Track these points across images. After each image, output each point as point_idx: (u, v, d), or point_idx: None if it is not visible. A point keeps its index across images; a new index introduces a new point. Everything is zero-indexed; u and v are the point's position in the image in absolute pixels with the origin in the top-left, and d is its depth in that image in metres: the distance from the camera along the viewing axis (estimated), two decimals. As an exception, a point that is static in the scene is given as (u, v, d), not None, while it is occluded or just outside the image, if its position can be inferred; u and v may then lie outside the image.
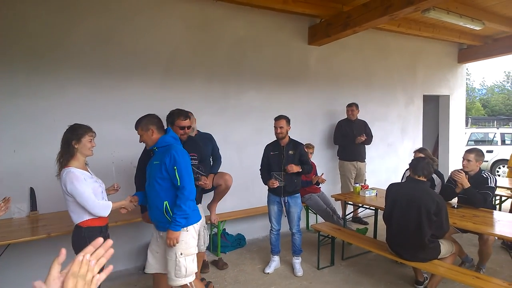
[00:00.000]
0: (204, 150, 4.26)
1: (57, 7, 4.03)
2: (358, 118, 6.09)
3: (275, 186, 4.14)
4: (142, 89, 4.55)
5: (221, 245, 4.89)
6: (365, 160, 6.16)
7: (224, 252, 4.95)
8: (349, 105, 6.00)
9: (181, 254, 2.90)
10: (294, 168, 4.09)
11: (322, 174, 5.34)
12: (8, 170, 3.85)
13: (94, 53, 4.24)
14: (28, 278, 3.90)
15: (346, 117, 6.08)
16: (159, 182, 2.89)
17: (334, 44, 5.98)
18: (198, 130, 4.41)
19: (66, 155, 2.79)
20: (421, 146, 6.36)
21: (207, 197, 4.58)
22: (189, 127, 3.52)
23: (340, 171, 6.15)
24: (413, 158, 3.87)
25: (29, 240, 3.43)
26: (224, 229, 5.09)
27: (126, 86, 4.45)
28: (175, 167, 2.83)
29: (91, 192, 2.76)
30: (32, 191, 3.99)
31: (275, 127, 4.20)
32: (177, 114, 3.47)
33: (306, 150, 5.41)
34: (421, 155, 4.33)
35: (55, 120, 4.04)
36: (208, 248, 4.95)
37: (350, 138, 5.95)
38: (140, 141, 3.05)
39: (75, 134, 2.79)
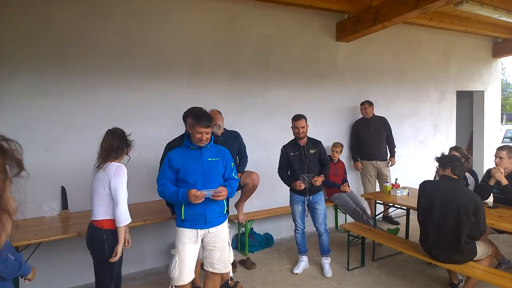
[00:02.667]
0: (229, 150, 4.24)
1: (84, 10, 4.11)
2: (375, 115, 5.89)
3: (302, 188, 4.07)
4: (169, 89, 4.59)
5: (248, 244, 4.86)
6: (387, 159, 5.94)
7: (252, 252, 4.92)
8: (361, 103, 5.82)
9: (229, 243, 3.16)
10: (319, 181, 4.10)
11: (347, 184, 5.33)
12: (40, 170, 3.93)
13: (121, 53, 4.30)
14: (59, 275, 4.02)
15: (378, 115, 5.92)
16: (219, 178, 3.04)
17: (363, 39, 5.85)
18: (224, 128, 4.40)
19: (115, 154, 2.84)
20: (455, 144, 6.14)
21: (234, 196, 4.55)
22: None
23: (360, 171, 6.02)
24: (444, 155, 3.71)
25: (60, 238, 3.50)
26: (252, 228, 5.05)
27: (153, 86, 4.49)
28: (232, 164, 3.13)
29: (126, 197, 2.82)
30: (63, 190, 4.09)
31: (296, 128, 4.08)
32: (188, 113, 3.49)
33: (334, 149, 5.38)
34: (456, 153, 4.18)
35: (84, 120, 4.13)
36: (235, 248, 4.95)
37: (367, 137, 5.79)
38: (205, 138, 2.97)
39: (125, 138, 2.90)
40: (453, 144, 7.21)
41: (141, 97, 4.43)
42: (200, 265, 3.94)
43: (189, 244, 2.99)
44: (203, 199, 2.84)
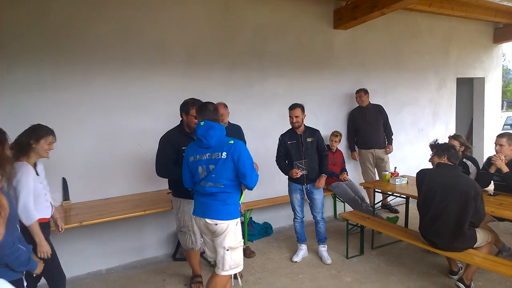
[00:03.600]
0: None
1: (80, 1, 4.06)
2: (371, 103, 5.85)
3: (299, 176, 4.08)
4: (166, 79, 4.56)
5: (248, 233, 4.89)
6: (385, 146, 5.91)
7: (251, 241, 4.95)
8: (357, 92, 5.79)
9: None
10: (322, 183, 4.20)
11: (346, 173, 5.33)
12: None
13: (117, 44, 4.27)
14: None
15: (374, 103, 5.88)
16: None
17: (361, 27, 5.78)
18: (229, 122, 4.39)
19: (18, 151, 2.69)
20: (455, 132, 6.12)
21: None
22: None
23: (359, 159, 6.02)
24: (439, 144, 3.72)
25: (62, 228, 3.52)
26: (251, 217, 5.08)
27: (149, 77, 4.47)
28: None
29: (31, 194, 2.66)
30: (64, 181, 4.10)
31: (291, 117, 4.11)
32: (192, 104, 3.43)
33: (332, 138, 5.36)
34: (456, 142, 4.17)
35: (82, 112, 4.13)
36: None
37: (364, 126, 5.78)
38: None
39: (35, 134, 2.75)
40: (453, 131, 7.19)
41: (138, 88, 4.41)
42: (200, 254, 3.98)
43: None
44: None
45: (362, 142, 5.88)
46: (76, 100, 4.10)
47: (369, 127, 5.77)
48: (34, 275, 2.38)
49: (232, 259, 2.87)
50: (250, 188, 2.83)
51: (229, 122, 4.41)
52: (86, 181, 4.21)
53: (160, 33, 4.50)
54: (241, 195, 2.95)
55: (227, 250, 2.84)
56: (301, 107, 4.10)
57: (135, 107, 4.41)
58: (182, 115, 3.51)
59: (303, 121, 4.16)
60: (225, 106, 4.34)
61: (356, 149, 6.01)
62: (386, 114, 5.92)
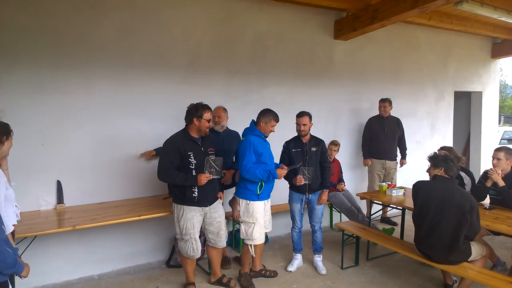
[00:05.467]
0: (229, 147, 4.25)
1: (81, 3, 4.07)
2: (391, 114, 5.88)
3: (302, 183, 4.05)
4: (165, 84, 4.56)
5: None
6: (396, 159, 5.94)
7: (246, 249, 4.90)
8: (382, 101, 5.76)
9: None
10: (324, 200, 4.24)
11: (343, 183, 5.33)
12: (36, 164, 3.93)
13: (118, 48, 4.27)
14: (53, 269, 4.02)
15: (377, 113, 5.87)
16: None
17: (361, 38, 5.82)
18: (227, 127, 4.38)
19: None
20: (448, 145, 6.12)
21: (229, 194, 4.55)
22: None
23: (368, 168, 6.00)
24: (437, 155, 3.70)
25: (55, 232, 3.50)
26: (247, 225, 5.04)
27: (149, 81, 4.47)
28: None
29: (2, 203, 2.37)
30: (59, 184, 4.07)
31: (298, 124, 4.10)
32: (204, 107, 3.43)
33: (331, 147, 5.36)
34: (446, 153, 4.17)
35: (80, 115, 4.12)
36: (230, 245, 4.94)
37: (381, 136, 5.77)
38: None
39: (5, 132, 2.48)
40: (450, 144, 7.22)
41: (136, 92, 4.40)
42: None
43: (263, 213, 3.88)
44: None
45: (375, 152, 5.86)
46: (74, 103, 4.09)
47: (386, 138, 5.78)
48: (22, 278, 2.32)
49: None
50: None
51: (227, 128, 4.41)
52: (81, 184, 4.19)
53: (161, 38, 4.51)
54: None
55: None
56: (309, 116, 4.10)
57: (133, 111, 4.40)
58: (193, 120, 3.42)
59: (309, 130, 4.15)
60: (224, 109, 4.35)
61: (362, 158, 6.01)
62: (403, 128, 5.96)
